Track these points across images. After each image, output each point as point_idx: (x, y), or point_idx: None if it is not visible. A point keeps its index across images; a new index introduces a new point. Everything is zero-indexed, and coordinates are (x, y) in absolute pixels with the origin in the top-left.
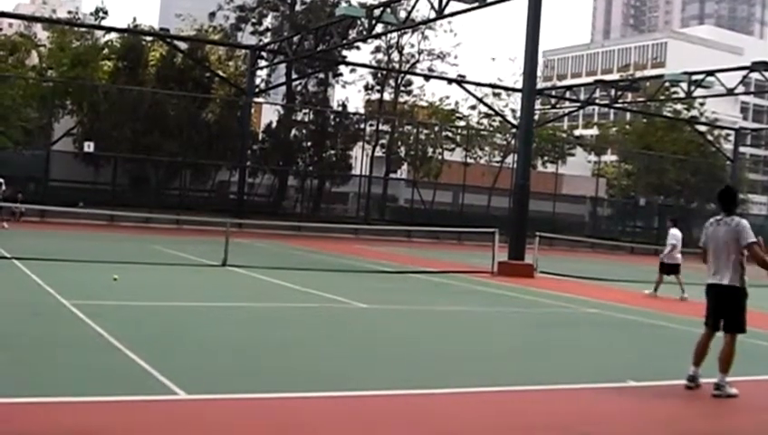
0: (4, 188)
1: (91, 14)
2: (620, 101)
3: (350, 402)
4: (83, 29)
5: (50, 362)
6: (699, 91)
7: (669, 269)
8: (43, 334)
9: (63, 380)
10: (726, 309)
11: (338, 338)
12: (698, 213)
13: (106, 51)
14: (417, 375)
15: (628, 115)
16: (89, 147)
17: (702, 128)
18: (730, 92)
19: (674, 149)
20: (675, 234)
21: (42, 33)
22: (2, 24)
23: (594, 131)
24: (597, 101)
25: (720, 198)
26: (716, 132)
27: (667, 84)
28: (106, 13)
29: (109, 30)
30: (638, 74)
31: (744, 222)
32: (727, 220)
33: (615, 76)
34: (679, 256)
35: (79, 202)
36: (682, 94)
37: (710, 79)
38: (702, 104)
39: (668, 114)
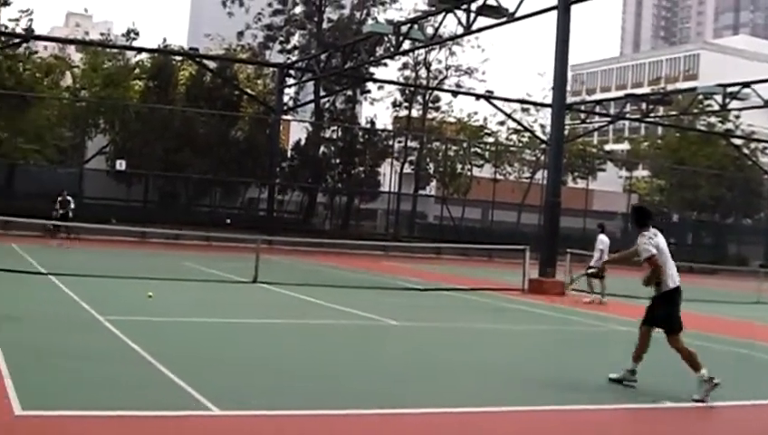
0: (72, 206)
1: (123, 35)
2: (652, 114)
3: (381, 420)
4: (115, 50)
5: (85, 376)
6: (734, 104)
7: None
8: (78, 349)
9: (98, 394)
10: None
11: (369, 355)
12: (734, 229)
13: (137, 71)
14: (450, 393)
15: (659, 129)
16: (121, 165)
17: (738, 141)
18: (767, 104)
19: (708, 164)
20: (603, 239)
21: (75, 55)
22: (37, 47)
23: (625, 146)
24: (627, 115)
25: (639, 216)
26: (753, 145)
27: (700, 97)
28: (137, 34)
29: (139, 50)
30: (670, 87)
31: None
32: (655, 232)
33: (646, 89)
34: (604, 257)
35: (111, 219)
36: (716, 107)
37: (746, 91)
38: (737, 117)
39: (702, 128)
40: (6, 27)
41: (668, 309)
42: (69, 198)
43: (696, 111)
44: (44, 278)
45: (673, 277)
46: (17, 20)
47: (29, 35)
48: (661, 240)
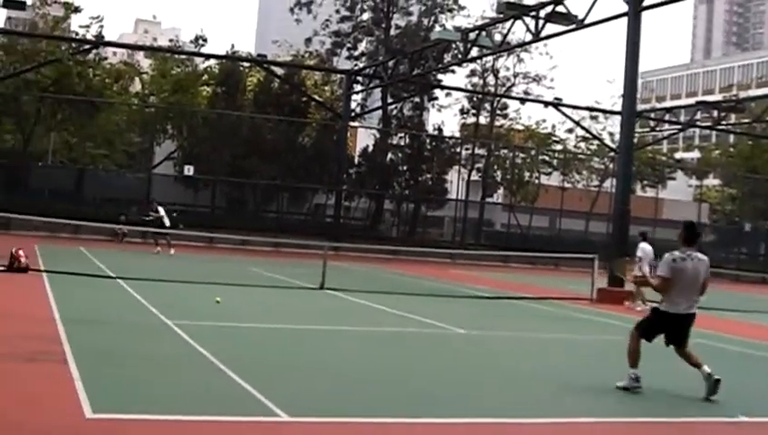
0: (163, 213)
1: (191, 41)
2: (723, 122)
3: (449, 429)
4: (183, 56)
5: (154, 380)
6: None
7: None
8: (147, 353)
9: (167, 398)
10: (686, 333)
11: (437, 363)
12: None
13: (205, 77)
14: (518, 403)
15: (731, 137)
16: (188, 170)
17: None
18: None
19: None
20: (643, 247)
21: (144, 61)
22: (107, 53)
23: (696, 154)
24: (698, 123)
25: (690, 232)
26: None
27: None
28: (205, 40)
29: (208, 57)
30: (743, 94)
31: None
32: (696, 255)
33: (717, 97)
34: (647, 268)
35: (179, 224)
36: None
37: None
38: None
39: None
40: (77, 33)
41: (655, 323)
42: (159, 206)
43: None
44: (113, 282)
45: (676, 304)
46: (88, 26)
47: (99, 42)
48: (690, 264)
